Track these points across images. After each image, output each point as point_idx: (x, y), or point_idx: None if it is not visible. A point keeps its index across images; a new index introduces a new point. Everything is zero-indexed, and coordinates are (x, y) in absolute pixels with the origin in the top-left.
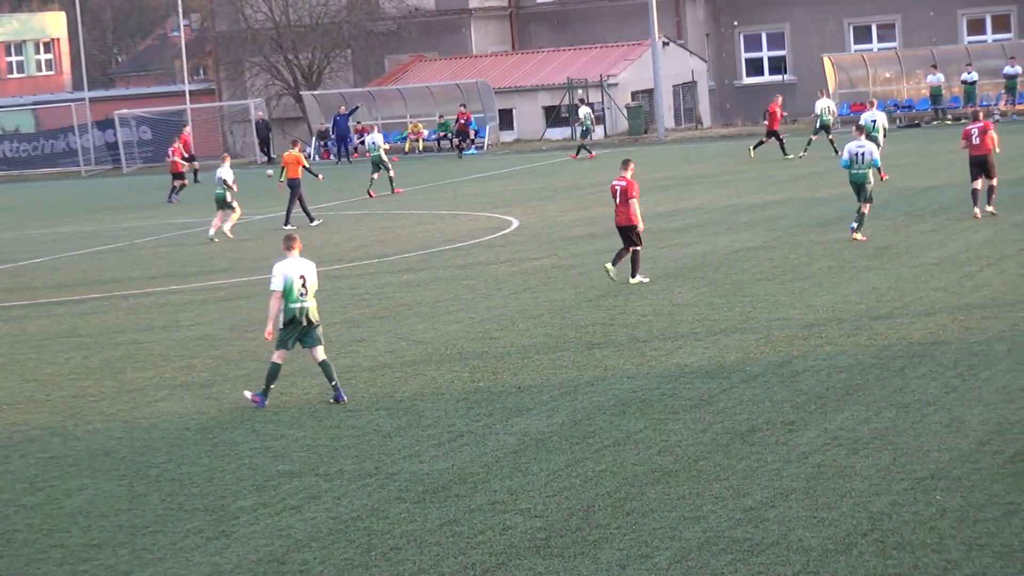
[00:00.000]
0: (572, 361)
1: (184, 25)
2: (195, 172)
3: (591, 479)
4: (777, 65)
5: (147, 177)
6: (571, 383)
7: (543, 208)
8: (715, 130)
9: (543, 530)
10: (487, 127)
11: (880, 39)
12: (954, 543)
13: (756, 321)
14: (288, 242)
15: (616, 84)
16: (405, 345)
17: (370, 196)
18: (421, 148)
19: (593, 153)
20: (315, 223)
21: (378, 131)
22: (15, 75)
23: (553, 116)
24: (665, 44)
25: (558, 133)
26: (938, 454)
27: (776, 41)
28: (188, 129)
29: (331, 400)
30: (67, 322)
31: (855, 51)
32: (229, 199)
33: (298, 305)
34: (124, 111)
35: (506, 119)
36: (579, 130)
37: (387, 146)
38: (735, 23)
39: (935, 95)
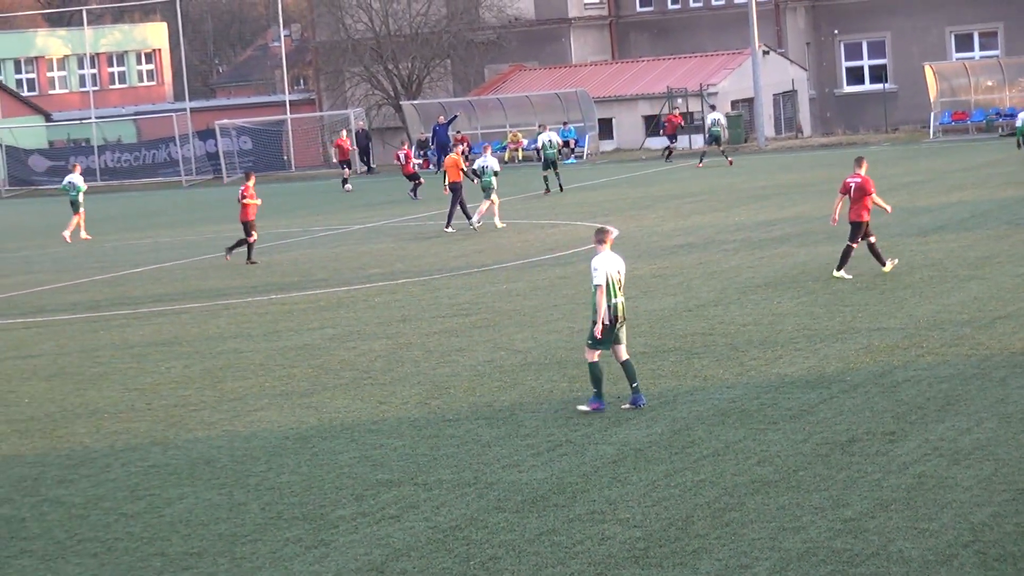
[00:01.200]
0: (671, 370)
1: (284, 35)
2: (343, 180)
3: (690, 489)
4: (878, 74)
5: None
6: (670, 392)
7: (642, 217)
8: (815, 139)
9: (642, 540)
10: (587, 136)
11: (982, 47)
12: None
13: (856, 331)
14: (600, 235)
15: (716, 93)
16: (504, 354)
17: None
18: (521, 157)
19: (731, 160)
20: (473, 226)
21: (492, 154)
22: (117, 86)
23: (653, 125)
24: (765, 53)
25: (658, 142)
26: None
27: (877, 49)
28: (344, 133)
29: (625, 405)
30: (168, 331)
31: (956, 59)
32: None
33: (616, 301)
34: (224, 121)
35: (606, 128)
36: (709, 137)
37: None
38: (835, 31)
39: None
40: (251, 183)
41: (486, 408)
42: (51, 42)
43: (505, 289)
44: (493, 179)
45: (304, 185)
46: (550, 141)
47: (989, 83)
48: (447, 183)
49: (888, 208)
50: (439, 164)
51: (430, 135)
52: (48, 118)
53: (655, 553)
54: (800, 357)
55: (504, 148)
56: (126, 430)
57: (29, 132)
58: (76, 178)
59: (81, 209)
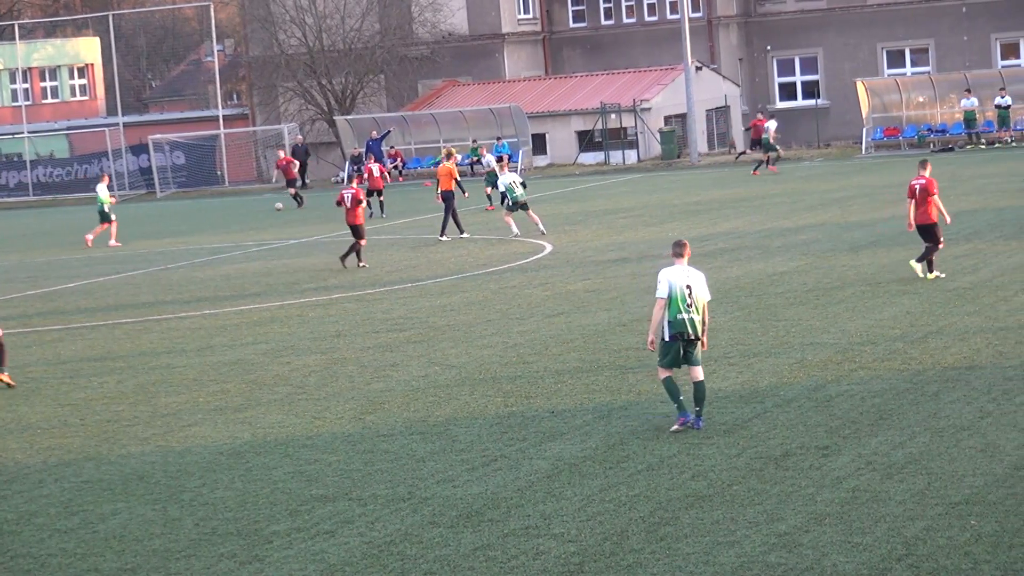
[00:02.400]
0: (606, 385)
1: (218, 50)
2: (296, 196)
3: (625, 504)
4: (811, 89)
5: (181, 202)
6: (605, 407)
7: (576, 232)
8: (749, 154)
9: (577, 555)
10: (520, 152)
11: (914, 63)
12: (989, 568)
13: (790, 345)
14: (678, 248)
15: (649, 109)
16: (438, 369)
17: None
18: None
19: (775, 167)
20: (464, 235)
21: (509, 168)
22: (49, 100)
23: (586, 141)
24: (698, 69)
25: (591, 158)
26: (973, 479)
27: (809, 65)
28: (281, 153)
29: (678, 426)
30: (101, 346)
31: (888, 75)
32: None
33: (682, 317)
34: (158, 136)
35: (539, 144)
36: (765, 144)
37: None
38: (768, 47)
39: (969, 119)
40: (356, 185)
41: (420, 423)
42: None
43: (439, 304)
44: (522, 191)
45: (237, 200)
46: (513, 183)
47: (920, 99)
48: (439, 192)
49: (947, 217)
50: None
51: (363, 150)
52: None
53: (590, 568)
54: (734, 372)
55: (437, 163)
56: (59, 445)
57: None
58: (102, 189)
59: (112, 218)
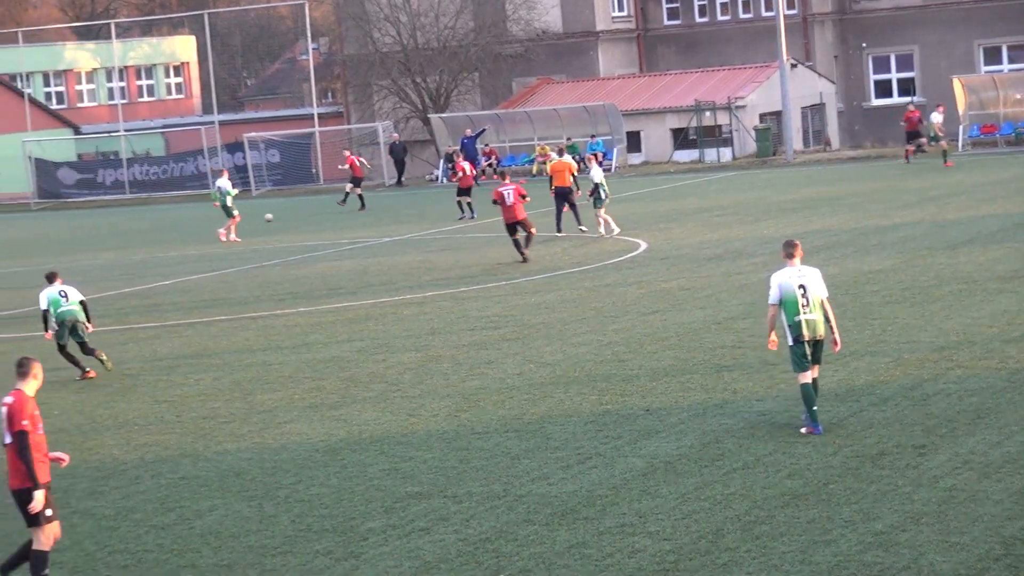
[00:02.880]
0: (701, 384)
1: (312, 49)
2: (360, 196)
3: (720, 502)
4: (907, 87)
5: (276, 200)
6: (700, 406)
7: (671, 230)
8: (844, 152)
9: (672, 553)
10: (615, 149)
11: (1011, 60)
12: None
13: (886, 344)
14: (789, 249)
15: (744, 106)
16: (533, 367)
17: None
18: (549, 171)
19: (951, 162)
20: (583, 228)
21: (598, 163)
22: (145, 99)
23: (681, 138)
24: (793, 66)
25: (686, 155)
26: None
27: (905, 63)
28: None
29: (802, 430)
30: (197, 343)
31: (985, 72)
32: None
33: (800, 319)
34: (253, 134)
35: (634, 141)
36: (930, 136)
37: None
38: (863, 45)
39: None
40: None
41: (515, 421)
42: (80, 55)
43: (534, 302)
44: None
45: (333, 198)
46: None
47: (1018, 96)
48: (554, 188)
49: None
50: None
51: (458, 148)
52: (77, 131)
53: (685, 566)
54: (830, 370)
55: (531, 161)
56: (156, 442)
57: (58, 145)
58: (224, 183)
59: (235, 213)
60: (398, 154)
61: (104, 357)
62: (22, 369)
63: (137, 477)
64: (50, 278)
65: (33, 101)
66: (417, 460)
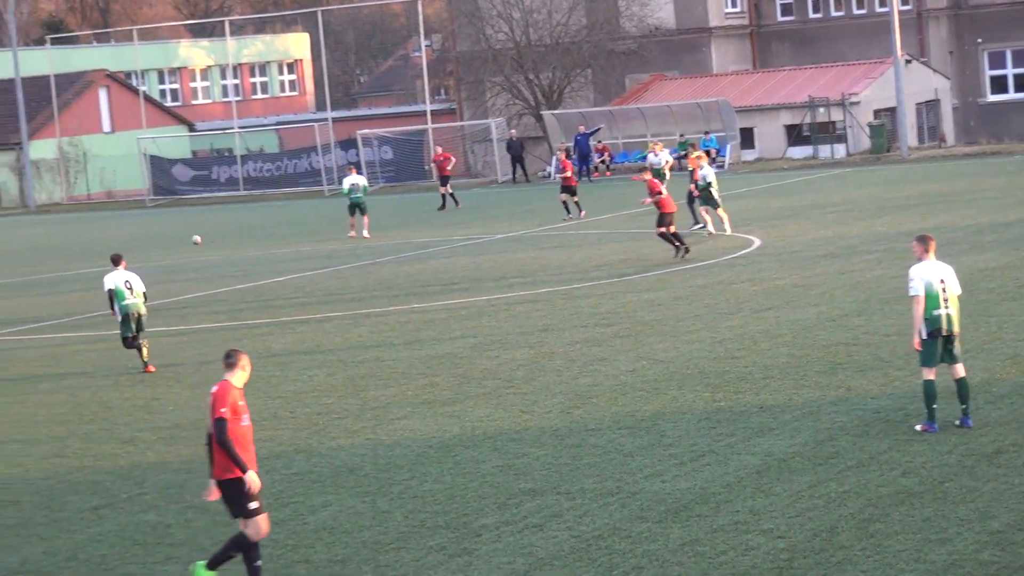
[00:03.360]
0: (815, 381)
1: (426, 46)
2: (448, 195)
3: (834, 500)
4: (1023, 83)
5: (389, 196)
6: (814, 403)
7: (784, 227)
8: (959, 149)
9: (786, 551)
10: (728, 146)
11: None
12: None
13: (1002, 341)
14: (925, 243)
15: (858, 102)
16: (646, 364)
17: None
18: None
19: None
20: (700, 228)
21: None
22: (259, 96)
23: (794, 135)
24: (908, 62)
25: (799, 152)
26: None
27: (1022, 58)
28: (439, 149)
29: (956, 423)
30: (310, 340)
31: None
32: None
33: (939, 313)
34: (366, 131)
35: (747, 138)
36: None
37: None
38: (979, 40)
39: None
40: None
41: (628, 418)
42: (194, 53)
43: (646, 299)
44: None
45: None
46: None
47: None
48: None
49: None
50: (581, 174)
51: (571, 144)
52: (191, 128)
53: (799, 564)
54: (945, 368)
55: (644, 157)
56: (270, 438)
57: (173, 142)
58: (358, 179)
59: (357, 211)
60: (515, 151)
61: (145, 350)
62: (230, 360)
63: None
64: (115, 260)
65: (148, 99)
66: (530, 457)
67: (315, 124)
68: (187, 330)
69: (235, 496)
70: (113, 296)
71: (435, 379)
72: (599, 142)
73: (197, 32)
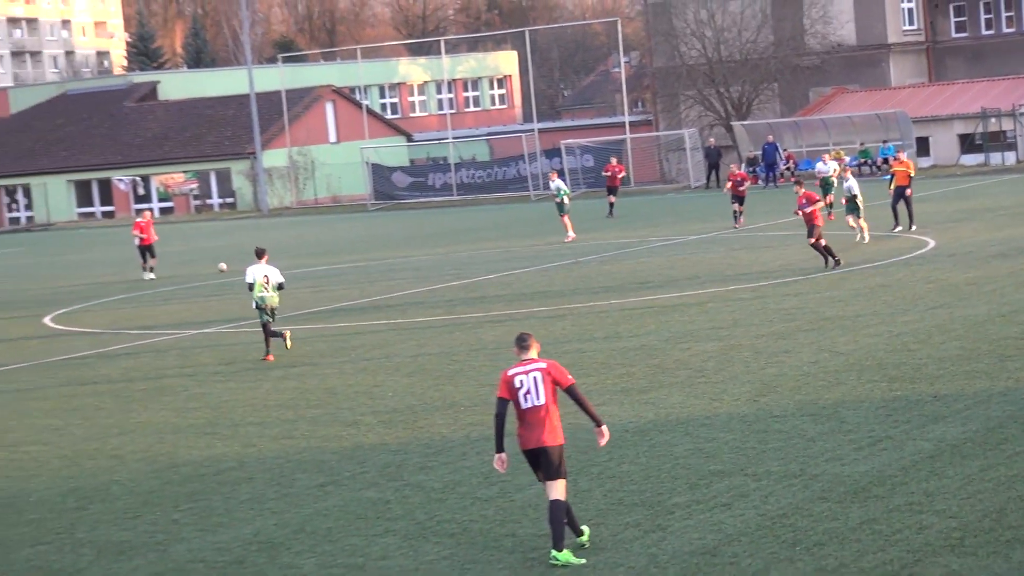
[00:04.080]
0: (985, 372)
1: (625, 62)
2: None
3: (1004, 483)
4: None
5: (588, 201)
6: (984, 393)
7: (958, 229)
8: None
9: (958, 530)
10: (905, 154)
11: None
12: None
13: None
14: None
15: None
16: (828, 356)
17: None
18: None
19: None
20: (903, 229)
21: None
22: (471, 109)
23: (967, 143)
24: None
25: (972, 159)
26: None
27: None
28: (614, 160)
29: None
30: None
31: None
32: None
33: None
34: (569, 141)
35: (923, 146)
36: None
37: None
38: None
39: None
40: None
41: (811, 405)
42: (412, 70)
43: (828, 296)
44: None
45: (642, 199)
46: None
47: None
48: (893, 186)
49: None
50: (767, 180)
51: (759, 153)
52: (409, 138)
53: (970, 543)
54: None
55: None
56: (480, 422)
57: (392, 151)
58: (560, 183)
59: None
60: (712, 158)
61: (287, 341)
62: (524, 343)
63: (463, 454)
64: (258, 254)
65: (370, 112)
66: (719, 441)
67: (522, 134)
68: (405, 324)
69: (556, 460)
70: (252, 287)
71: (631, 369)
72: (785, 150)
73: (415, 51)
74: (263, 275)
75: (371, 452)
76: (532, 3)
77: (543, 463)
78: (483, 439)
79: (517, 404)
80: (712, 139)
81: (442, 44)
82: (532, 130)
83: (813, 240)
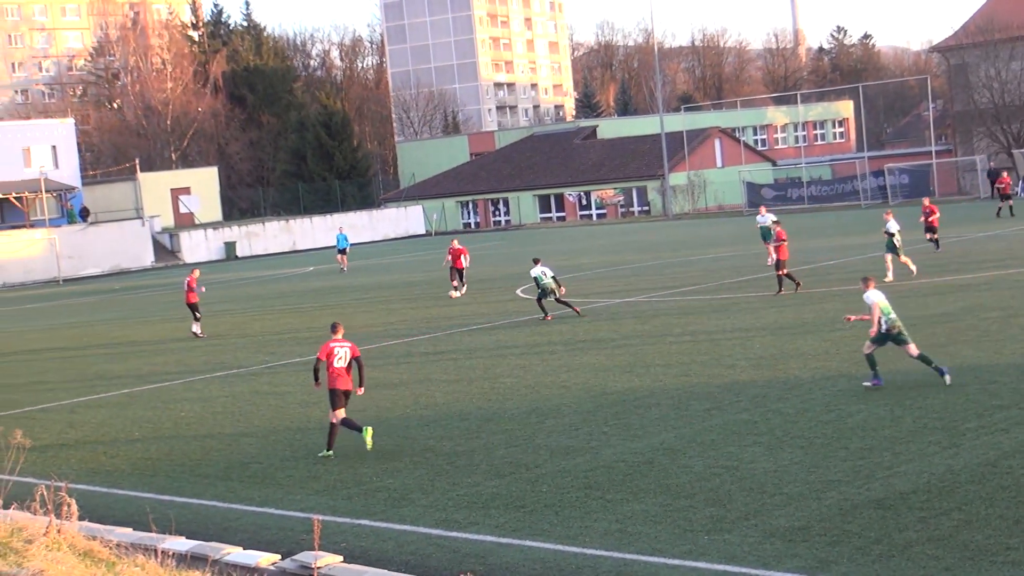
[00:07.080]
0: None
1: (932, 107)
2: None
3: None
4: None
5: (903, 208)
6: None
7: None
8: None
9: None
10: None
11: None
12: None
13: None
14: None
15: None
16: None
17: None
18: None
19: None
20: None
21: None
22: (819, 143)
23: None
24: None
25: None
26: None
27: None
28: (927, 201)
29: None
30: (858, 302)
31: None
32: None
33: None
34: (891, 164)
35: None
36: None
37: None
38: None
39: None
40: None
41: None
42: (776, 114)
43: None
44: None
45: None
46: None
47: None
48: None
49: None
50: None
51: None
52: (774, 164)
53: None
54: None
55: None
56: (822, 366)
57: (762, 173)
58: (765, 219)
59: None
60: (993, 176)
61: (575, 309)
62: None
63: (810, 390)
64: (535, 261)
65: (746, 145)
66: (1000, 383)
67: (856, 160)
68: (769, 296)
69: None
70: (537, 281)
71: (935, 329)
72: None
73: (778, 101)
74: (543, 272)
75: (744, 386)
76: (865, 65)
77: None
78: (824, 378)
79: None
80: (992, 162)
81: (798, 97)
82: (862, 157)
83: None
